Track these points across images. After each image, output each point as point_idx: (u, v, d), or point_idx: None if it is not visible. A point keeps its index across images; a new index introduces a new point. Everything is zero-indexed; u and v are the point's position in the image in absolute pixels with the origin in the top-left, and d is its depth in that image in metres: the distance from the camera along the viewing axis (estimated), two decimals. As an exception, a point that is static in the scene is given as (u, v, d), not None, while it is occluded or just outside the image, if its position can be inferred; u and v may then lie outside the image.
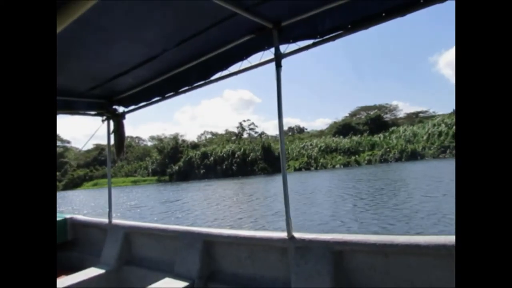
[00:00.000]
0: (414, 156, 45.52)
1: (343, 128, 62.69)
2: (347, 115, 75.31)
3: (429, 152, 45.45)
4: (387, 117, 70.10)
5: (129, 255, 3.40)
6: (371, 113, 69.40)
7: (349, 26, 1.98)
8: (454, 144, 42.92)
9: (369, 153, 49.22)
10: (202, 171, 50.63)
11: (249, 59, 2.46)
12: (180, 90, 3.03)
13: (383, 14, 1.84)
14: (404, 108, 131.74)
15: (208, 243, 2.75)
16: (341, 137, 57.14)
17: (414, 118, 66.64)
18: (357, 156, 49.02)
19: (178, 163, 53.30)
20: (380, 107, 72.22)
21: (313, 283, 2.06)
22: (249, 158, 50.24)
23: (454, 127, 45.68)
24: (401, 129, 54.38)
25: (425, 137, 48.00)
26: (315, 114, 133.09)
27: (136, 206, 21.23)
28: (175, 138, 63.51)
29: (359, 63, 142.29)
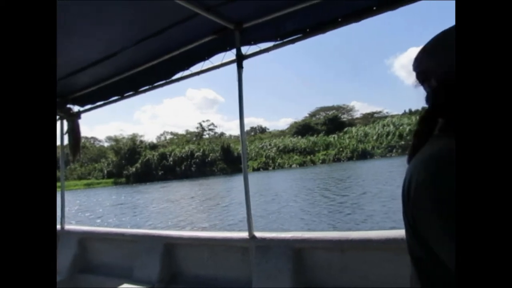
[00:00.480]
0: (364, 155, 47.80)
1: (302, 128, 64.20)
2: (307, 115, 77.41)
3: (378, 152, 48.07)
4: (345, 117, 72.81)
5: (84, 262, 3.22)
6: (330, 113, 71.90)
7: (308, 30, 2.05)
8: (400, 143, 46.01)
9: (324, 152, 51.09)
10: (160, 173, 49.71)
11: (211, 59, 2.46)
12: (140, 90, 2.94)
13: (339, 20, 1.93)
14: (362, 108, 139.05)
15: (169, 245, 2.69)
16: (299, 137, 58.68)
17: (369, 118, 69.29)
18: (312, 156, 50.68)
19: (135, 164, 51.84)
20: (338, 108, 75.03)
21: (274, 282, 2.08)
22: (209, 158, 50.21)
23: (401, 127, 48.93)
24: (354, 129, 56.83)
25: (375, 137, 50.74)
26: (279, 114, 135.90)
27: (79, 210, 20.62)
28: (132, 138, 61.61)
29: (324, 64, 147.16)
